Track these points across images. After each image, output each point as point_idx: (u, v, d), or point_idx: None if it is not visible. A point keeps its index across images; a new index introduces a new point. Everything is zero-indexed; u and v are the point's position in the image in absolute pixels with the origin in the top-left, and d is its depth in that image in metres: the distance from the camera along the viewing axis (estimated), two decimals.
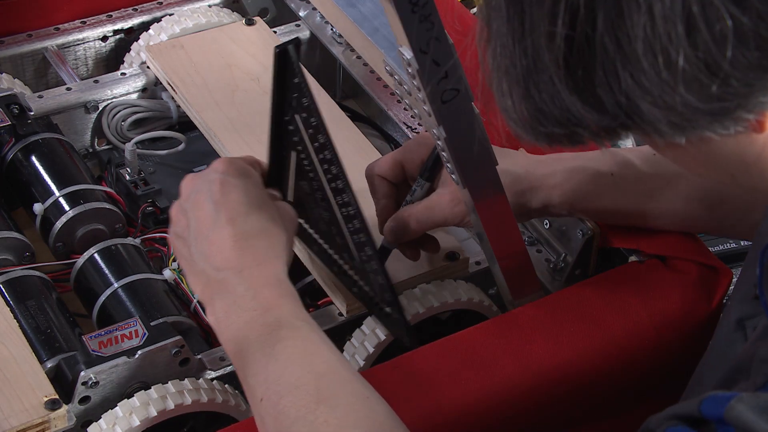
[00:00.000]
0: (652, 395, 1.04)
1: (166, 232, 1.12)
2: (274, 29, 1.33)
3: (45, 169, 1.15)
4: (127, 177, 1.19)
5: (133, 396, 0.95)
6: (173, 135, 1.25)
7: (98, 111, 1.25)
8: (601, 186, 1.03)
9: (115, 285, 1.06)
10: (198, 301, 1.05)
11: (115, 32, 1.34)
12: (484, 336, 0.99)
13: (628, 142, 1.25)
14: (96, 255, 1.09)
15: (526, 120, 0.67)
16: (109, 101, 1.25)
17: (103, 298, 1.06)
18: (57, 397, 0.93)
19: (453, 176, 0.95)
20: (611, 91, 0.62)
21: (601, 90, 0.63)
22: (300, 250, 1.05)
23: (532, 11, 0.63)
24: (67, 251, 1.12)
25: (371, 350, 1.01)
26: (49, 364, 0.98)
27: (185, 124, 1.25)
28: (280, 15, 1.40)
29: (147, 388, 0.96)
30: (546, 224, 1.13)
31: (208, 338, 1.05)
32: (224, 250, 0.88)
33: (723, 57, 0.59)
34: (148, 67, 1.26)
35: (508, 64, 0.65)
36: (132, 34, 1.34)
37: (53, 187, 1.13)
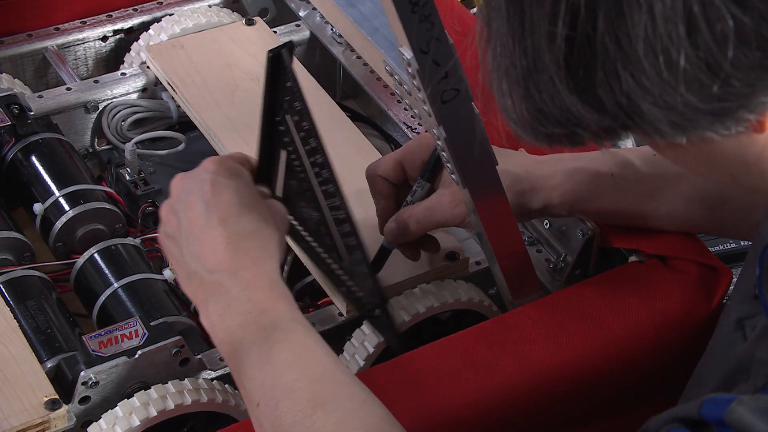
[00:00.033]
0: (652, 395, 1.04)
1: None
2: (274, 29, 1.33)
3: (45, 169, 1.15)
4: (127, 177, 1.19)
5: (133, 396, 0.95)
6: (173, 135, 1.25)
7: (98, 111, 1.25)
8: (602, 186, 1.03)
9: (115, 285, 1.06)
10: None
11: (115, 32, 1.34)
12: (484, 336, 0.98)
13: (628, 143, 1.25)
14: (96, 255, 1.09)
15: (526, 120, 0.67)
16: (109, 101, 1.25)
17: (103, 298, 1.06)
18: (57, 397, 0.93)
19: (453, 176, 0.95)
20: (612, 92, 0.62)
21: (601, 90, 0.63)
22: (300, 249, 1.05)
23: (533, 11, 0.63)
24: (67, 251, 1.12)
25: (371, 350, 1.01)
26: (49, 364, 0.98)
27: (185, 124, 1.25)
28: (280, 15, 1.40)
29: (147, 388, 0.96)
30: (546, 224, 1.13)
31: (208, 338, 1.05)
32: (217, 252, 0.87)
33: (724, 57, 0.59)
34: (148, 67, 1.26)
35: (508, 64, 0.65)
36: (132, 34, 1.34)
37: (53, 187, 1.13)
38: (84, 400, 0.96)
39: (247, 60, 1.25)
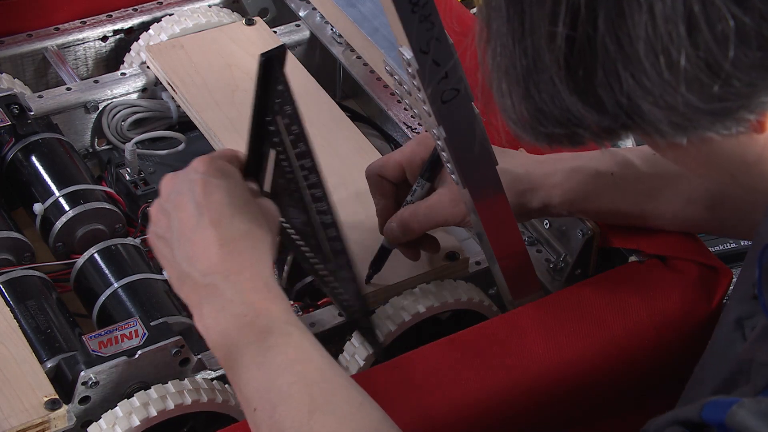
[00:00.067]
0: (652, 395, 1.04)
1: None
2: (274, 29, 1.33)
3: (45, 169, 1.15)
4: (127, 177, 1.19)
5: (133, 396, 0.95)
6: (173, 135, 1.25)
7: (98, 111, 1.25)
8: (601, 186, 1.03)
9: (115, 285, 1.06)
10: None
11: (115, 32, 1.34)
12: (484, 336, 0.98)
13: (628, 142, 1.25)
14: (96, 255, 1.09)
15: (526, 120, 0.67)
16: (109, 101, 1.25)
17: (103, 298, 1.06)
18: (57, 397, 0.93)
19: (453, 176, 0.95)
20: (612, 92, 0.62)
21: (601, 90, 0.63)
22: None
23: (533, 11, 0.63)
24: (67, 251, 1.12)
25: (371, 350, 1.01)
26: (49, 364, 0.98)
27: (185, 124, 1.25)
28: (280, 15, 1.40)
29: (147, 388, 0.96)
30: (546, 224, 1.13)
31: None
32: (210, 254, 0.86)
33: (725, 57, 0.59)
34: (148, 67, 1.26)
35: (507, 65, 0.65)
36: (132, 34, 1.34)
37: (53, 187, 1.13)
38: (84, 400, 0.96)
39: (247, 60, 1.25)
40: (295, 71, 1.26)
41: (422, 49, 0.83)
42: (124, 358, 0.96)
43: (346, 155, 1.17)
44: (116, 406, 0.94)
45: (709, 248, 1.07)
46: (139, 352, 0.97)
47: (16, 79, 1.27)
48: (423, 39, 0.82)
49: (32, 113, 1.20)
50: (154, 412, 0.93)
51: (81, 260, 1.09)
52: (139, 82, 1.26)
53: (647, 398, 1.04)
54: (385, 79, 1.26)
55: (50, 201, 1.12)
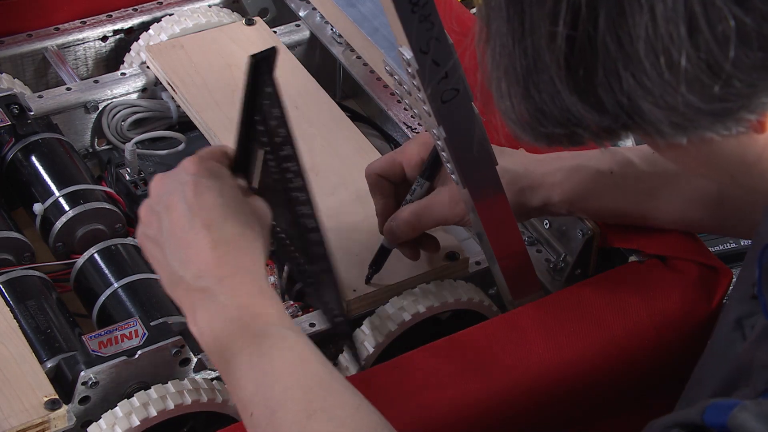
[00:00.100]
0: (652, 395, 1.04)
1: None
2: (274, 29, 1.33)
3: (45, 169, 1.15)
4: (127, 177, 1.19)
5: (132, 396, 0.95)
6: (173, 135, 1.25)
7: (98, 111, 1.25)
8: (601, 185, 1.03)
9: (115, 285, 1.06)
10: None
11: (115, 32, 1.34)
12: (484, 336, 0.98)
13: (628, 142, 1.25)
14: (96, 255, 1.09)
15: (525, 120, 0.67)
16: (109, 101, 1.25)
17: (103, 298, 1.06)
18: (57, 397, 0.93)
19: (453, 176, 0.95)
20: (612, 92, 0.62)
21: (602, 90, 0.63)
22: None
23: (533, 11, 0.63)
24: (67, 251, 1.12)
25: (371, 350, 1.01)
26: (49, 364, 0.98)
27: (185, 124, 1.25)
28: (280, 15, 1.40)
29: (147, 388, 0.96)
30: (546, 224, 1.13)
31: None
32: (203, 257, 0.85)
33: (725, 58, 0.59)
34: (148, 67, 1.26)
35: (507, 64, 0.65)
36: (132, 34, 1.34)
37: (53, 187, 1.13)
38: (84, 400, 0.96)
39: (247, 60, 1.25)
40: (295, 71, 1.27)
41: (422, 49, 0.83)
42: (124, 358, 0.96)
43: (346, 155, 1.17)
44: (116, 406, 0.94)
45: (709, 248, 1.07)
46: (139, 352, 0.97)
47: (16, 79, 1.27)
48: (423, 39, 0.82)
49: (32, 113, 1.20)
50: (154, 412, 0.93)
51: (81, 260, 1.09)
52: (139, 82, 1.26)
53: (647, 398, 1.04)
54: (385, 79, 1.26)
55: (50, 201, 1.12)
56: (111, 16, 1.34)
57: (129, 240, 1.11)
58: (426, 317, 1.03)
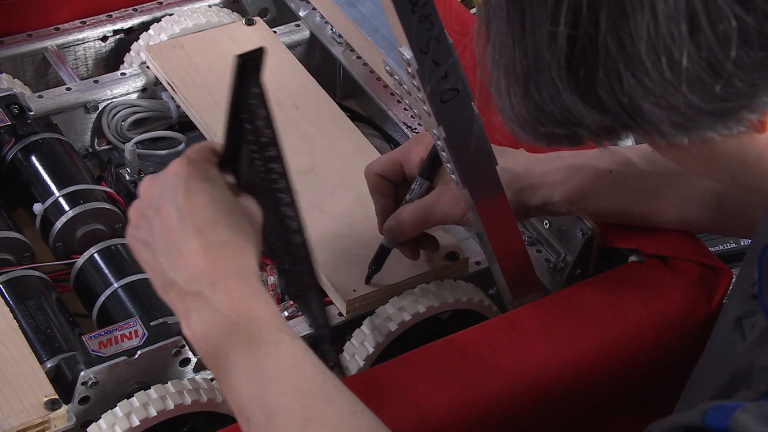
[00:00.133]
0: (652, 395, 1.04)
1: None
2: (274, 29, 1.33)
3: (45, 169, 1.15)
4: (127, 177, 1.19)
5: (132, 396, 0.95)
6: (173, 135, 1.25)
7: (98, 111, 1.25)
8: (601, 184, 1.03)
9: (115, 285, 1.06)
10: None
11: (115, 32, 1.34)
12: (484, 336, 0.98)
13: (628, 142, 1.25)
14: (96, 255, 1.09)
15: (525, 120, 0.67)
16: (109, 101, 1.25)
17: (103, 298, 1.06)
18: (57, 397, 0.93)
19: (453, 176, 0.95)
20: (613, 92, 0.62)
21: (602, 90, 0.63)
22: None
23: (534, 11, 0.63)
24: (67, 251, 1.12)
25: (371, 350, 1.01)
26: (49, 364, 0.98)
27: (185, 124, 1.25)
28: (280, 15, 1.40)
29: (147, 388, 0.96)
30: (546, 224, 1.13)
31: None
32: (195, 262, 0.84)
33: (727, 57, 0.59)
34: (148, 67, 1.26)
35: (507, 64, 0.65)
36: (132, 34, 1.34)
37: (53, 187, 1.13)
38: (84, 400, 0.96)
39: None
40: (295, 71, 1.27)
41: (422, 49, 0.83)
42: (123, 358, 0.96)
43: (346, 155, 1.17)
44: (116, 406, 0.94)
45: (709, 248, 1.07)
46: (139, 352, 0.97)
47: (16, 79, 1.27)
48: (423, 39, 0.82)
49: (32, 113, 1.20)
50: (153, 412, 0.93)
51: (81, 260, 1.09)
52: (139, 82, 1.26)
53: (647, 398, 1.04)
54: (385, 79, 1.26)
55: (50, 201, 1.12)
56: (111, 16, 1.34)
57: None
58: (426, 317, 1.03)
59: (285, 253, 0.94)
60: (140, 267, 1.06)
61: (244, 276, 0.84)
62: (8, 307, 1.02)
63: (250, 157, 0.87)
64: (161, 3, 1.36)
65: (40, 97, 1.22)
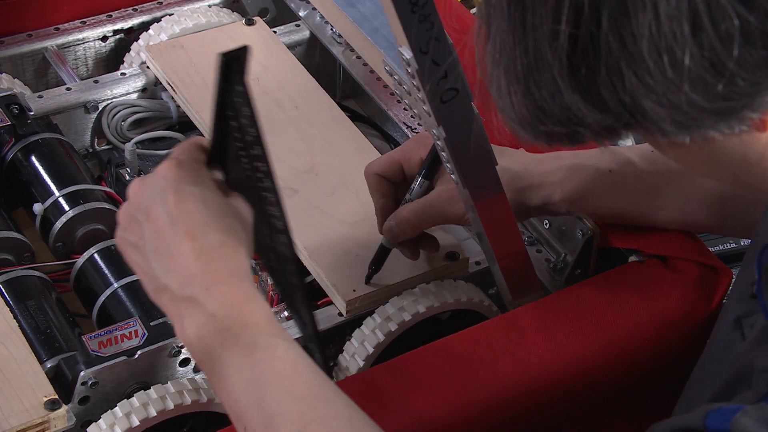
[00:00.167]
0: (652, 395, 1.04)
1: None
2: (274, 29, 1.33)
3: (45, 169, 1.15)
4: (127, 177, 1.19)
5: (132, 396, 0.95)
6: (173, 135, 1.25)
7: (98, 111, 1.25)
8: (601, 184, 1.03)
9: (115, 285, 1.06)
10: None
11: (115, 32, 1.34)
12: (484, 336, 0.98)
13: (628, 141, 1.25)
14: (96, 255, 1.09)
15: (525, 119, 0.67)
16: (109, 101, 1.25)
17: (102, 298, 1.06)
18: (57, 397, 0.93)
19: (453, 176, 0.95)
20: (615, 90, 0.62)
21: (604, 89, 0.62)
22: (299, 249, 1.05)
23: (535, 9, 0.63)
24: (67, 251, 1.12)
25: (371, 350, 1.01)
26: (48, 364, 0.98)
27: (185, 124, 1.25)
28: (280, 15, 1.40)
29: (146, 388, 0.96)
30: (546, 224, 1.13)
31: None
32: (188, 266, 0.83)
33: (729, 56, 0.59)
34: (148, 67, 1.26)
35: (507, 63, 0.65)
36: (132, 34, 1.34)
37: (53, 187, 1.13)
38: (84, 400, 0.96)
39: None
40: (295, 71, 1.27)
41: (422, 49, 0.83)
42: (123, 358, 0.96)
43: (346, 155, 1.17)
44: (116, 406, 0.94)
45: (709, 248, 1.07)
46: (139, 352, 0.97)
47: (16, 79, 1.27)
48: (422, 39, 0.82)
49: (32, 113, 1.20)
50: (153, 412, 0.93)
51: (81, 260, 1.09)
52: (139, 82, 1.26)
53: (647, 398, 1.04)
54: (385, 79, 1.26)
55: (50, 201, 1.12)
56: (111, 16, 1.34)
57: None
58: (426, 317, 1.03)
59: (271, 251, 0.94)
60: None
61: (237, 279, 0.83)
62: (8, 307, 1.02)
63: (236, 154, 0.87)
64: (161, 3, 1.36)
65: (40, 97, 1.22)
